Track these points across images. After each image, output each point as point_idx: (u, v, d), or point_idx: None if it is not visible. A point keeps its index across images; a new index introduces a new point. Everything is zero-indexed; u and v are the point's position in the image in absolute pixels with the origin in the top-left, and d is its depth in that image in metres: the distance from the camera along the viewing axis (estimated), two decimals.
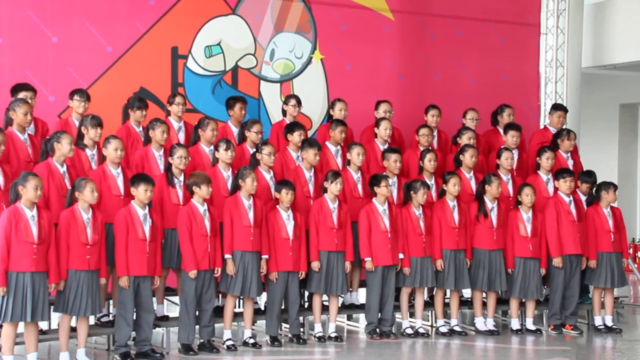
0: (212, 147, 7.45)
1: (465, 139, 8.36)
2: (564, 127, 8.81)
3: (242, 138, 7.72)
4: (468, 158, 8.04)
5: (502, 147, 8.34)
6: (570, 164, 8.45)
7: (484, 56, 9.65)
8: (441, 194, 7.82)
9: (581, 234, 7.93)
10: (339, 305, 7.65)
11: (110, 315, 6.95)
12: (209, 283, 6.82)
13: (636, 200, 13.70)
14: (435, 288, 7.87)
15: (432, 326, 8.02)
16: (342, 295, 7.82)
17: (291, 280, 7.21)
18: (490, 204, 7.82)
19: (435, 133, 8.62)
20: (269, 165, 7.40)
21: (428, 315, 8.09)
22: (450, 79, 9.49)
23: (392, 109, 8.55)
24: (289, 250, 7.14)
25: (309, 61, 9.10)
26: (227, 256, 6.93)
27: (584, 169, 8.42)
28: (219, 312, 7.12)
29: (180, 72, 8.58)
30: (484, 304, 7.96)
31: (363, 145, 7.87)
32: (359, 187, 7.75)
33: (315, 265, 7.31)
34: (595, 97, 13.05)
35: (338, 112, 8.38)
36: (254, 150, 7.52)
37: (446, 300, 7.95)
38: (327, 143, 8.08)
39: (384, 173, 7.75)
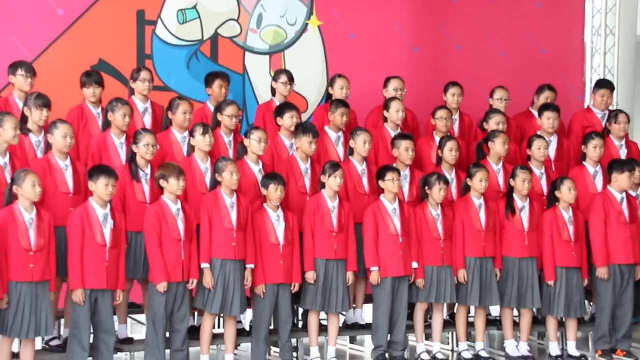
0: (186, 134, 7.39)
1: (493, 123, 8.32)
2: (614, 108, 8.77)
3: (217, 123, 7.66)
4: (498, 147, 7.98)
5: (537, 133, 8.28)
6: (623, 153, 8.38)
7: (516, 24, 9.60)
8: (464, 190, 7.78)
9: (635, 239, 7.86)
10: (340, 325, 7.61)
11: (62, 338, 6.89)
12: (182, 298, 6.78)
13: None
14: (456, 305, 7.82)
15: (452, 351, 8.00)
16: (344, 313, 7.78)
17: (282, 294, 7.18)
18: (520, 202, 7.75)
19: (456, 116, 8.58)
20: (258, 154, 7.36)
21: (448, 338, 8.06)
22: (475, 51, 9.44)
23: (405, 87, 8.51)
24: (279, 259, 7.11)
25: (304, 29, 9.06)
26: (204, 265, 6.88)
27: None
28: (194, 333, 7.08)
29: (148, 41, 8.54)
30: (516, 324, 7.90)
31: (369, 131, 7.84)
32: (365, 181, 7.72)
33: (310, 276, 7.28)
34: None
35: (339, 91, 8.35)
36: (230, 138, 7.47)
37: (470, 320, 7.91)
38: (326, 128, 8.05)
39: (394, 164, 7.70)
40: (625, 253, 7.86)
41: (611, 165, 7.99)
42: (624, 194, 7.94)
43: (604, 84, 8.96)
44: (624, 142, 8.51)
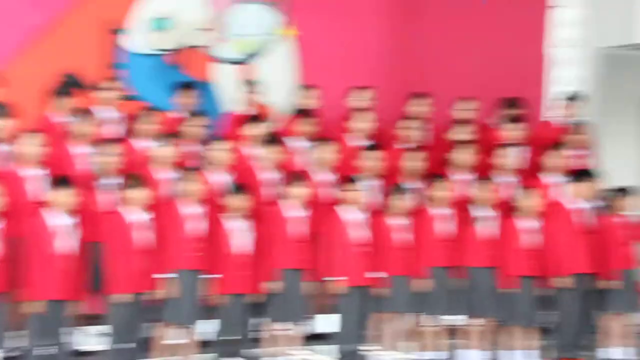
0: (152, 143, 7.38)
1: (460, 134, 8.34)
2: (576, 119, 8.82)
3: (184, 132, 7.66)
4: (465, 157, 8.02)
5: (503, 143, 8.32)
6: (582, 163, 8.44)
7: (481, 34, 9.62)
8: (429, 200, 7.79)
9: (594, 249, 7.91)
10: (300, 335, 7.60)
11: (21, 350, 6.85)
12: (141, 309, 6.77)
13: None
14: (418, 314, 7.84)
15: None
16: (304, 324, 7.77)
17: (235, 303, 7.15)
18: (484, 212, 7.79)
19: (423, 127, 8.59)
20: (222, 164, 7.36)
21: (411, 347, 8.05)
22: (443, 61, 9.45)
23: (374, 97, 8.52)
24: (242, 269, 7.09)
25: (276, 38, 9.04)
26: (163, 276, 6.88)
27: (599, 170, 8.42)
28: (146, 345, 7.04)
29: (116, 51, 8.50)
30: (479, 334, 7.92)
31: (336, 141, 7.83)
32: (330, 191, 7.72)
33: (273, 286, 7.26)
34: (618, 84, 13.03)
35: (308, 101, 8.34)
36: (197, 147, 7.49)
37: (433, 329, 7.91)
38: (293, 138, 8.04)
39: (361, 174, 7.71)
40: (586, 262, 7.90)
41: (571, 175, 8.06)
42: (584, 204, 7.99)
43: (568, 95, 9.00)
44: (584, 152, 8.55)
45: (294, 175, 7.43)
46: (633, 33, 10.61)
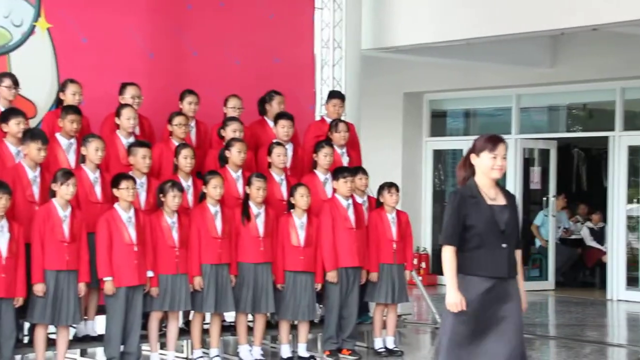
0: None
1: (230, 131, 8.32)
2: (341, 117, 9.04)
3: None
4: (234, 154, 8.00)
5: (273, 141, 8.39)
6: (345, 161, 8.67)
7: (250, 33, 9.65)
8: (201, 198, 7.72)
9: (360, 244, 8.16)
10: (71, 337, 7.35)
11: None
12: None
13: (421, 203, 14.48)
14: (192, 312, 7.74)
15: (187, 358, 7.90)
16: (75, 326, 7.47)
17: (4, 309, 6.79)
18: (256, 209, 7.82)
19: (193, 124, 8.50)
20: None
21: (182, 346, 7.96)
22: (211, 59, 9.37)
23: (141, 93, 8.31)
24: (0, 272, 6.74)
25: (32, 31, 8.57)
26: None
27: (365, 167, 8.68)
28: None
29: None
30: (250, 329, 7.96)
31: (103, 138, 7.59)
32: (97, 189, 7.46)
33: (39, 288, 6.93)
34: (377, 84, 13.61)
35: (71, 97, 8.00)
36: None
37: (206, 326, 7.86)
38: (56, 135, 7.70)
39: (130, 172, 7.51)
40: (351, 257, 8.12)
41: (333, 173, 8.27)
42: (350, 200, 8.23)
43: (335, 94, 9.20)
44: (344, 150, 8.79)
45: (58, 174, 7.10)
46: (386, 37, 11.09)
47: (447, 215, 5.19)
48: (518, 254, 5.25)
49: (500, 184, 5.28)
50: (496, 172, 5.15)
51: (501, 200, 5.20)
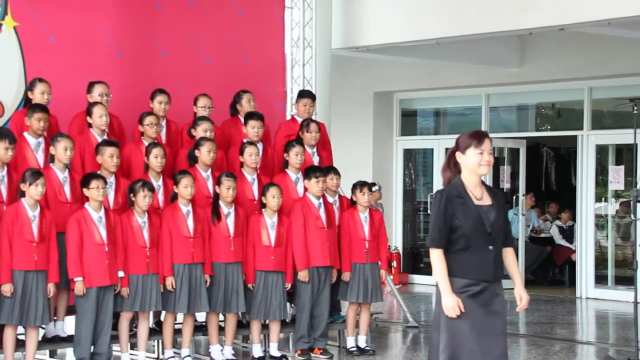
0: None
1: (200, 130, 8.30)
2: (312, 117, 9.05)
3: None
4: (204, 154, 7.99)
5: (245, 141, 8.38)
6: (316, 160, 8.69)
7: (220, 32, 9.63)
8: (172, 198, 7.70)
9: (331, 243, 8.18)
10: (40, 338, 7.28)
11: None
12: None
13: (392, 202, 14.52)
14: (163, 312, 7.72)
15: (158, 358, 7.88)
16: (44, 327, 7.42)
17: None
18: (226, 208, 7.81)
19: (163, 123, 8.47)
20: None
21: (154, 346, 7.93)
22: (181, 58, 9.34)
23: (110, 92, 8.27)
24: None
25: None
26: None
27: (336, 166, 8.70)
28: None
29: None
30: (221, 329, 7.95)
31: (70, 137, 7.54)
32: (66, 189, 7.42)
33: (6, 289, 6.90)
34: (347, 83, 13.64)
35: (39, 96, 7.93)
36: None
37: (177, 326, 7.83)
38: (25, 134, 7.63)
39: (98, 172, 7.47)
40: (323, 256, 8.13)
41: (305, 172, 8.28)
42: (321, 200, 8.24)
43: (305, 94, 9.20)
44: (315, 149, 8.79)
45: (27, 173, 7.04)
46: (356, 36, 11.11)
47: (433, 217, 4.97)
48: (509, 252, 5.11)
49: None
50: (484, 168, 4.97)
51: (487, 200, 5.01)
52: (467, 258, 4.94)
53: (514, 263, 5.15)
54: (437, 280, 4.95)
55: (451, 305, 4.88)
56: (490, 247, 4.97)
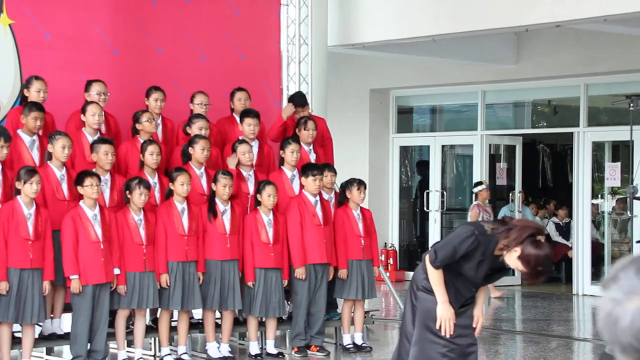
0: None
1: (195, 128, 8.31)
2: (309, 114, 9.06)
3: None
4: (198, 151, 8.01)
5: (239, 138, 8.40)
6: (312, 158, 8.71)
7: (216, 29, 9.64)
8: (167, 195, 7.71)
9: (328, 240, 8.21)
10: (36, 336, 7.30)
11: None
12: None
13: (388, 199, 14.54)
14: (160, 309, 7.74)
15: (154, 356, 7.89)
16: (41, 324, 7.44)
17: None
18: (222, 206, 7.83)
19: (159, 121, 8.48)
20: None
21: (150, 343, 7.95)
22: (176, 55, 9.35)
23: (107, 90, 8.28)
24: None
25: None
26: None
27: (333, 163, 8.72)
28: None
29: None
30: (218, 326, 7.97)
31: (68, 135, 7.55)
32: (64, 187, 7.43)
33: (2, 286, 6.92)
34: (343, 80, 13.66)
35: (35, 94, 7.94)
36: None
37: (173, 324, 7.85)
38: (19, 132, 7.64)
39: (93, 169, 7.48)
40: (320, 253, 8.16)
41: (302, 170, 8.30)
42: (318, 197, 8.26)
43: (299, 92, 9.22)
44: (311, 147, 8.81)
45: (22, 171, 7.05)
46: (352, 33, 11.13)
47: (450, 244, 4.80)
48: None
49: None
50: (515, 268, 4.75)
51: (498, 265, 4.81)
52: (451, 285, 4.89)
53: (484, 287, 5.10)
54: (434, 289, 4.89)
55: (447, 316, 4.85)
56: (473, 290, 4.99)
